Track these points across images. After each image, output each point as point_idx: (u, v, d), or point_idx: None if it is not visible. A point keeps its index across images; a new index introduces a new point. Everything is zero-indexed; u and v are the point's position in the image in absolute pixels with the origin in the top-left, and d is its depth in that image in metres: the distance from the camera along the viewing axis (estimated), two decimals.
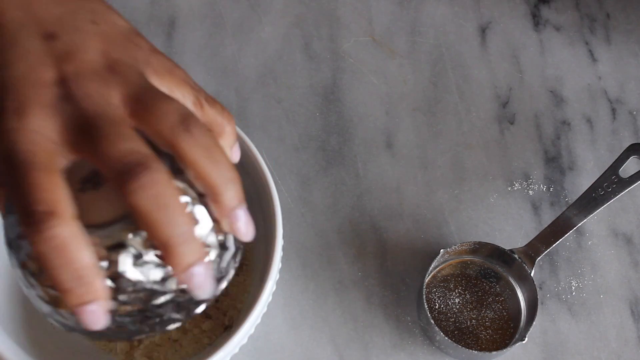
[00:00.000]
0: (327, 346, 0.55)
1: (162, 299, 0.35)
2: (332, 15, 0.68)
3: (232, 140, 0.40)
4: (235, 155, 0.40)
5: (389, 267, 0.58)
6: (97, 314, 0.33)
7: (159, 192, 0.32)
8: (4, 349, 0.46)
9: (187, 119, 0.34)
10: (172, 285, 0.34)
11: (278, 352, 0.54)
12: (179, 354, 0.51)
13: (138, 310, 0.34)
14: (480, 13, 0.69)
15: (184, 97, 0.37)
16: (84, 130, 0.33)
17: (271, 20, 0.68)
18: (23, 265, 0.34)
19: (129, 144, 0.33)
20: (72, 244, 0.31)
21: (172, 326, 0.36)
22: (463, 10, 0.69)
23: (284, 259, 0.54)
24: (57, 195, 0.32)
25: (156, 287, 0.34)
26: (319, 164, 0.61)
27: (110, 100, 0.34)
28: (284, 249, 0.51)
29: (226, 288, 0.53)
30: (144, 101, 0.34)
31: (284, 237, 0.51)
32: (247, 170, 0.52)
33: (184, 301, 0.35)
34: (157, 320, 0.35)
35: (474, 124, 0.64)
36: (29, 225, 0.31)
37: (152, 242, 0.33)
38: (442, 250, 0.55)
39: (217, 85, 0.64)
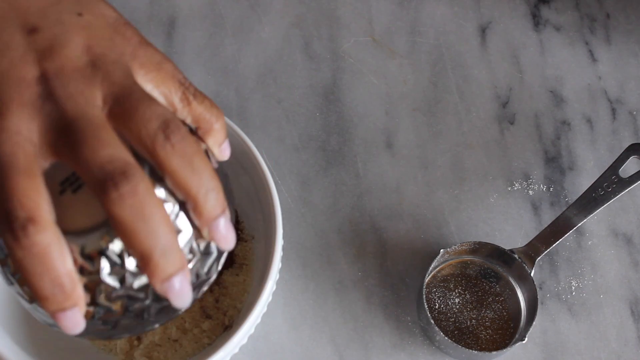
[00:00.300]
0: (327, 346, 0.55)
1: (141, 305, 0.35)
2: (332, 15, 0.68)
3: (221, 138, 0.38)
4: (225, 154, 0.39)
5: (389, 267, 0.58)
6: (75, 320, 0.33)
7: (139, 202, 0.31)
8: (4, 349, 0.46)
9: (168, 125, 0.33)
10: (151, 292, 0.34)
11: (278, 352, 0.54)
12: (179, 354, 0.51)
13: (117, 314, 0.34)
14: (480, 13, 0.69)
15: (171, 93, 0.36)
16: (64, 133, 0.32)
17: (271, 20, 0.68)
18: (2, 263, 0.34)
19: (110, 151, 0.32)
20: (52, 252, 0.31)
21: (152, 327, 0.36)
22: (463, 10, 0.69)
23: (284, 259, 0.54)
24: (37, 201, 0.31)
25: (135, 293, 0.34)
26: (319, 164, 0.61)
27: (92, 101, 0.33)
28: (284, 249, 0.51)
29: (225, 288, 0.53)
30: (125, 104, 0.33)
31: (284, 237, 0.51)
32: (247, 170, 0.52)
33: (163, 306, 0.35)
34: (136, 323, 0.35)
35: (474, 124, 0.64)
36: (8, 231, 0.31)
37: (130, 252, 0.33)
38: (442, 250, 0.55)
39: (217, 85, 0.64)
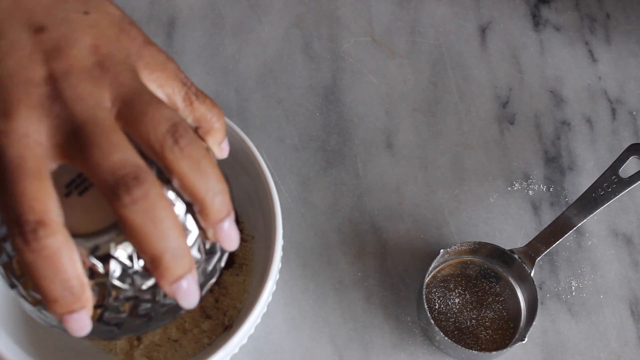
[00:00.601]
0: (327, 346, 0.55)
1: (148, 305, 0.35)
2: (332, 15, 0.68)
3: (220, 137, 0.38)
4: (224, 152, 0.39)
5: (389, 267, 0.58)
6: (83, 322, 0.33)
7: (150, 206, 0.31)
8: (4, 349, 0.46)
9: (176, 129, 0.33)
10: (158, 292, 0.34)
11: (278, 352, 0.54)
12: (179, 354, 0.51)
13: (124, 316, 0.35)
14: (480, 13, 0.69)
15: (174, 93, 0.36)
16: (74, 136, 0.32)
17: (271, 20, 0.68)
18: (5, 266, 0.34)
19: (121, 155, 0.32)
20: (62, 255, 0.31)
21: (156, 327, 0.36)
22: (463, 10, 0.69)
23: (284, 259, 0.54)
24: (47, 204, 0.31)
25: (142, 295, 0.34)
26: (319, 164, 0.61)
27: (101, 102, 0.33)
28: (284, 249, 0.51)
29: (225, 288, 0.53)
30: (134, 107, 0.33)
31: (284, 237, 0.51)
32: (247, 170, 0.52)
33: (170, 306, 0.35)
34: (141, 323, 0.35)
35: (474, 124, 0.64)
36: (18, 234, 0.31)
37: (140, 254, 0.33)
38: (442, 250, 0.55)
39: (217, 85, 0.64)
